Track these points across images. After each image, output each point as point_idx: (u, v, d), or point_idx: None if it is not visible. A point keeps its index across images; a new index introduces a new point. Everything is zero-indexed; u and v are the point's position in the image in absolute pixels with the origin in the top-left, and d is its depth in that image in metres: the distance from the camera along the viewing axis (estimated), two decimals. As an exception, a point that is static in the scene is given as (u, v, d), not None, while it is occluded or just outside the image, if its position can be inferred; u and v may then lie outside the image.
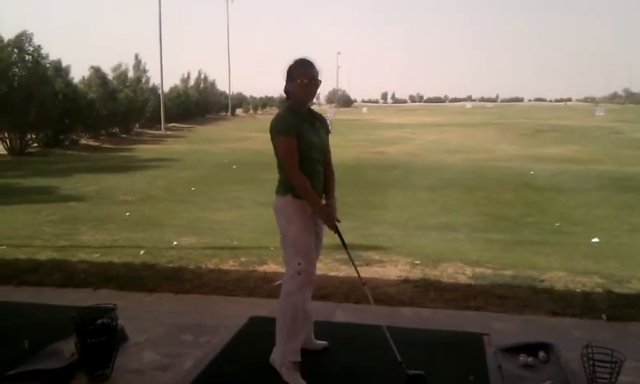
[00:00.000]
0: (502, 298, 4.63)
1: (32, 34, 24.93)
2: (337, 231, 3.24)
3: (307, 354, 3.51)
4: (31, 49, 24.98)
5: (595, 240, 8.03)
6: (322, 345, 3.60)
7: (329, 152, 3.45)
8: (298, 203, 3.18)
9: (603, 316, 4.23)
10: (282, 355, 3.22)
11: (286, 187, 3.21)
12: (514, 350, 3.51)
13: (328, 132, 3.44)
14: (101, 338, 3.13)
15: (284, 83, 3.29)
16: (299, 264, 3.16)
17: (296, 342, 3.21)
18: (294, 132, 3.12)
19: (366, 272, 5.18)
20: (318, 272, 5.38)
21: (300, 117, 3.21)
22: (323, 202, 3.31)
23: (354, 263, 3.51)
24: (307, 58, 3.27)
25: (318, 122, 3.34)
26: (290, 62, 3.29)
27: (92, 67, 35.61)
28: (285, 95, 3.33)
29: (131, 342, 3.69)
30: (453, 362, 3.34)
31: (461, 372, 3.25)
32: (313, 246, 3.25)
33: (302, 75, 3.21)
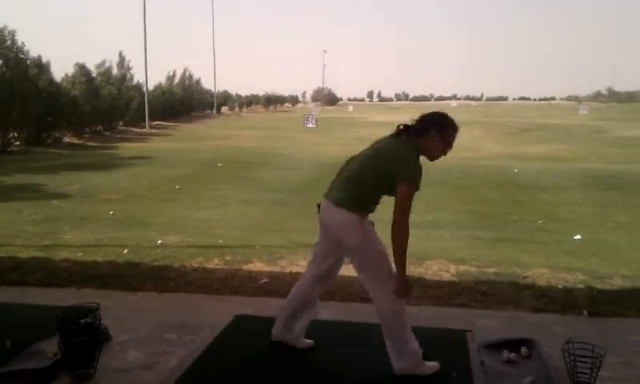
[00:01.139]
0: (485, 295, 4.68)
1: (14, 30, 24.62)
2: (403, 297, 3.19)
3: (295, 353, 3.53)
4: (10, 43, 24.61)
5: (578, 237, 8.12)
6: (308, 344, 3.61)
7: None
8: (367, 220, 3.17)
9: (585, 312, 4.28)
10: (412, 358, 3.20)
11: (359, 205, 3.12)
12: (496, 346, 3.55)
13: None
14: (84, 337, 3.11)
15: (425, 123, 3.18)
16: (392, 269, 3.15)
17: (415, 342, 3.22)
18: (419, 185, 3.07)
19: (350, 270, 5.18)
20: (304, 269, 5.42)
21: None
22: None
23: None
24: (458, 125, 3.25)
25: None
26: (444, 114, 3.24)
27: (77, 64, 35.25)
28: (414, 132, 3.19)
29: (115, 341, 3.67)
30: (436, 358, 3.36)
31: (444, 368, 3.28)
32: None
33: (450, 142, 3.21)
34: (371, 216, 3.24)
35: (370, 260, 3.19)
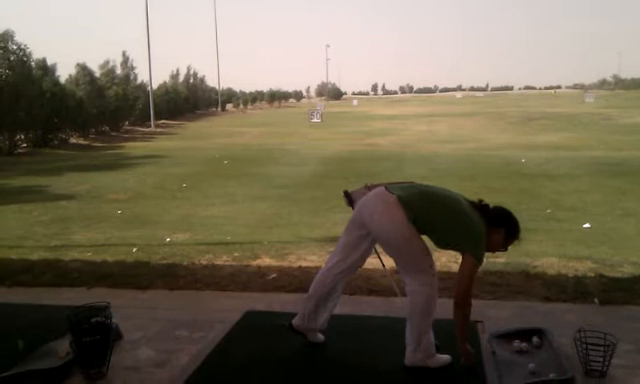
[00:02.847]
0: (495, 285, 4.66)
1: (14, 31, 24.60)
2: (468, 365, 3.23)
3: (305, 347, 3.53)
4: (14, 47, 24.71)
5: (587, 225, 8.08)
6: (320, 339, 3.61)
7: None
8: (411, 226, 3.16)
9: (596, 300, 4.27)
10: (426, 350, 3.22)
11: (415, 216, 3.13)
12: (507, 337, 3.54)
13: None
14: (96, 336, 3.13)
15: (501, 219, 3.26)
16: (431, 266, 3.21)
17: (431, 335, 3.26)
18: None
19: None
20: (312, 264, 5.45)
21: None
22: None
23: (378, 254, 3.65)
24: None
25: None
26: (517, 220, 3.31)
27: (78, 64, 35.33)
28: (488, 217, 3.24)
29: (126, 339, 3.69)
30: (447, 349, 3.35)
31: (454, 359, 3.27)
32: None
33: (511, 242, 3.28)
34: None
35: (410, 251, 3.19)
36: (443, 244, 3.26)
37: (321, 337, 3.60)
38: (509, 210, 3.35)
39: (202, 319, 4.09)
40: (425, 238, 3.22)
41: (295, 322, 3.52)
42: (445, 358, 3.28)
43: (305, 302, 3.52)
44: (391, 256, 3.30)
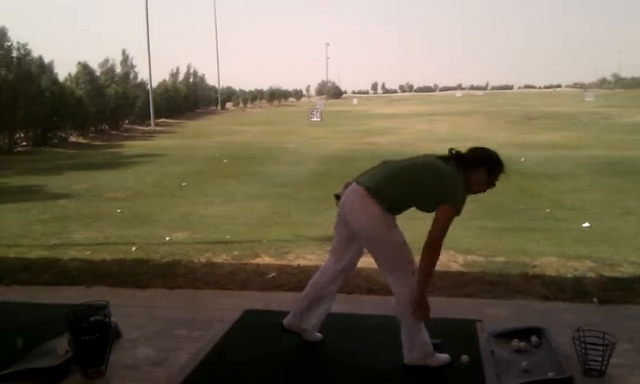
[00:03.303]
0: (493, 285, 4.67)
1: (7, 28, 24.53)
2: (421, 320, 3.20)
3: (304, 346, 3.53)
4: (11, 44, 24.66)
5: (586, 224, 8.08)
6: (317, 337, 3.60)
7: None
8: (389, 216, 3.17)
9: (595, 299, 4.27)
10: (422, 349, 3.22)
11: (387, 202, 3.13)
12: (506, 336, 3.55)
13: None
14: (94, 335, 3.13)
15: (478, 158, 3.24)
16: (412, 262, 3.19)
17: (425, 332, 3.25)
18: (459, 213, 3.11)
19: (359, 262, 5.19)
20: (311, 263, 5.45)
21: None
22: None
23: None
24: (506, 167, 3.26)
25: None
26: (497, 154, 3.28)
27: (79, 63, 35.31)
28: (465, 162, 3.22)
29: (125, 338, 3.69)
30: (445, 348, 3.35)
31: (453, 358, 3.27)
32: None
33: (494, 179, 3.25)
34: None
35: (390, 252, 3.20)
36: (429, 210, 3.16)
37: (318, 335, 3.59)
38: (485, 147, 3.34)
39: (201, 318, 4.09)
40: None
41: (286, 320, 3.51)
42: (444, 357, 3.27)
43: (299, 301, 3.53)
44: (372, 255, 3.28)
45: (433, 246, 3.07)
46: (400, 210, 3.21)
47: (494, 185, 3.27)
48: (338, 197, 3.39)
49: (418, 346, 3.22)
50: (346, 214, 3.23)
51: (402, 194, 3.18)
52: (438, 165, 3.20)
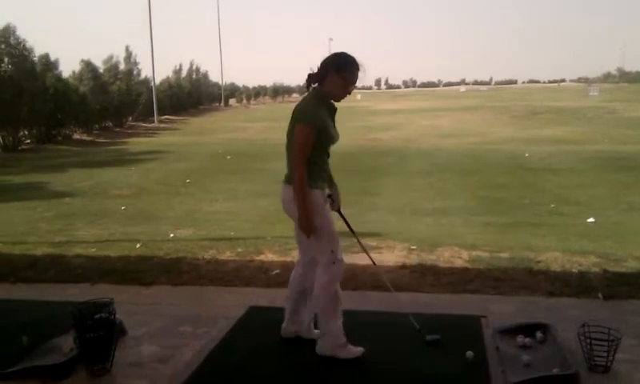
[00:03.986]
0: (498, 281, 4.65)
1: (15, 26, 24.63)
2: (309, 236, 3.19)
3: (308, 343, 3.53)
4: (16, 41, 24.71)
5: (591, 220, 8.06)
6: (317, 334, 3.60)
7: None
8: (318, 193, 3.18)
9: (600, 295, 4.26)
10: (333, 340, 3.25)
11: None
12: (511, 332, 3.54)
13: None
14: (99, 332, 3.14)
15: (323, 67, 3.18)
16: (332, 252, 3.19)
17: (340, 324, 3.26)
18: (317, 124, 3.11)
19: (363, 259, 5.18)
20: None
21: (326, 108, 3.22)
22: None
23: (361, 244, 3.68)
24: (358, 61, 3.21)
25: (335, 114, 3.33)
26: (342, 52, 3.22)
27: (83, 61, 35.36)
28: (313, 80, 3.22)
29: (130, 335, 3.70)
30: (451, 344, 3.35)
31: (459, 354, 3.27)
32: (336, 228, 3.26)
33: (350, 78, 3.19)
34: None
35: (313, 237, 3.20)
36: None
37: (316, 332, 3.56)
38: (330, 54, 3.25)
39: (206, 315, 4.09)
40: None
41: (282, 330, 3.56)
42: (356, 350, 3.27)
43: (285, 304, 3.57)
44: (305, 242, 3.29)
45: (295, 172, 3.10)
46: (318, 171, 3.19)
47: (352, 83, 3.21)
48: (329, 196, 3.40)
49: (329, 336, 3.25)
50: (285, 211, 3.30)
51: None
52: (296, 105, 3.24)
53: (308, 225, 3.14)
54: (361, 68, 3.22)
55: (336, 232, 3.24)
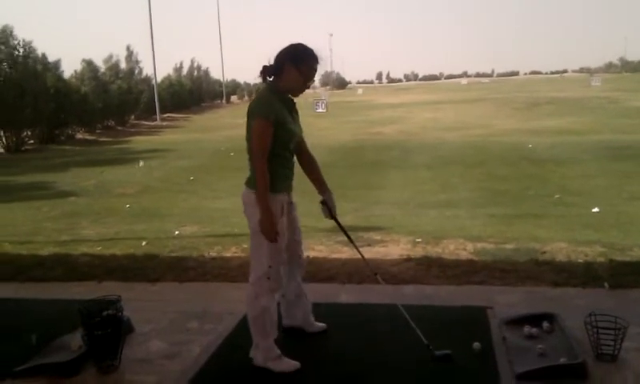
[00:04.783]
0: (504, 272, 4.65)
1: (13, 27, 24.66)
2: (275, 241, 3.02)
3: (313, 337, 3.54)
4: (16, 42, 24.75)
5: (595, 209, 8.05)
6: (321, 327, 3.60)
7: (304, 141, 3.34)
8: (275, 200, 3.03)
9: (606, 284, 4.25)
10: (264, 353, 3.16)
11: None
12: (517, 322, 3.54)
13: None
14: (107, 329, 3.15)
15: (279, 59, 3.03)
16: (270, 267, 3.06)
17: (271, 340, 3.16)
18: (272, 118, 2.94)
19: (368, 252, 5.19)
20: (321, 254, 5.46)
21: (283, 103, 3.06)
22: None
23: (359, 251, 3.55)
24: (317, 54, 3.06)
25: (295, 110, 3.18)
26: (298, 44, 3.06)
27: (84, 60, 35.44)
28: (269, 72, 3.07)
29: (137, 332, 3.72)
30: (457, 336, 3.36)
31: (465, 346, 3.27)
32: (284, 246, 3.13)
33: (309, 71, 3.04)
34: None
35: (254, 242, 3.12)
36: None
37: (319, 325, 3.58)
38: (285, 46, 3.08)
39: (213, 311, 4.10)
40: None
41: (283, 322, 3.50)
42: (290, 364, 3.14)
43: (280, 303, 3.49)
44: None
45: (254, 167, 2.99)
46: (278, 173, 3.07)
47: (311, 76, 3.07)
48: (323, 203, 3.35)
49: (261, 350, 3.16)
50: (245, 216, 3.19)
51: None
52: (257, 96, 3.12)
53: (270, 227, 2.97)
54: (320, 61, 3.07)
55: (282, 249, 3.09)
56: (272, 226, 2.98)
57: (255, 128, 2.96)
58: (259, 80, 3.16)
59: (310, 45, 3.08)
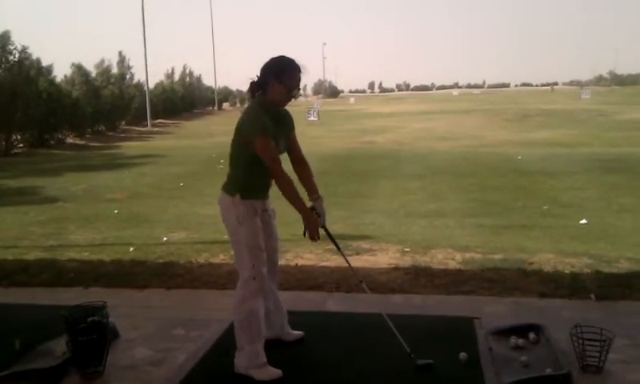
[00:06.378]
0: (491, 282, 4.67)
1: (11, 32, 24.62)
2: (316, 240, 3.19)
3: (300, 345, 3.53)
4: (12, 48, 24.67)
5: (583, 221, 8.10)
6: (297, 335, 3.60)
7: (299, 147, 3.39)
8: (248, 204, 3.13)
9: (592, 296, 4.27)
10: (248, 359, 3.15)
11: (235, 186, 3.15)
12: (504, 333, 3.55)
13: (292, 127, 3.35)
14: (92, 335, 3.13)
15: (263, 74, 3.11)
16: (253, 266, 3.10)
17: (258, 345, 3.16)
18: (270, 133, 3.03)
19: (357, 261, 5.20)
20: (309, 262, 5.45)
21: (271, 117, 3.11)
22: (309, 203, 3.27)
23: (347, 260, 3.53)
24: (299, 64, 3.12)
25: (282, 119, 3.23)
26: (279, 57, 3.13)
27: (73, 64, 35.28)
28: (256, 88, 3.15)
29: (123, 338, 3.69)
30: (444, 346, 3.36)
31: (452, 356, 3.27)
32: (263, 245, 3.17)
33: (292, 83, 3.10)
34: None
35: (235, 245, 3.19)
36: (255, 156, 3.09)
37: (295, 333, 3.58)
38: (269, 59, 3.16)
39: (199, 318, 4.09)
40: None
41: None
42: (272, 373, 3.12)
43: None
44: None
45: (275, 175, 3.08)
46: (257, 182, 3.18)
47: (295, 88, 3.14)
48: (313, 210, 3.33)
49: (244, 354, 3.16)
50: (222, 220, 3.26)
51: (242, 168, 3.17)
52: (241, 115, 3.19)
53: (314, 224, 3.15)
54: (302, 69, 3.14)
55: (261, 247, 3.15)
56: (314, 224, 3.17)
57: (259, 146, 3.03)
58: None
59: (290, 55, 3.15)
